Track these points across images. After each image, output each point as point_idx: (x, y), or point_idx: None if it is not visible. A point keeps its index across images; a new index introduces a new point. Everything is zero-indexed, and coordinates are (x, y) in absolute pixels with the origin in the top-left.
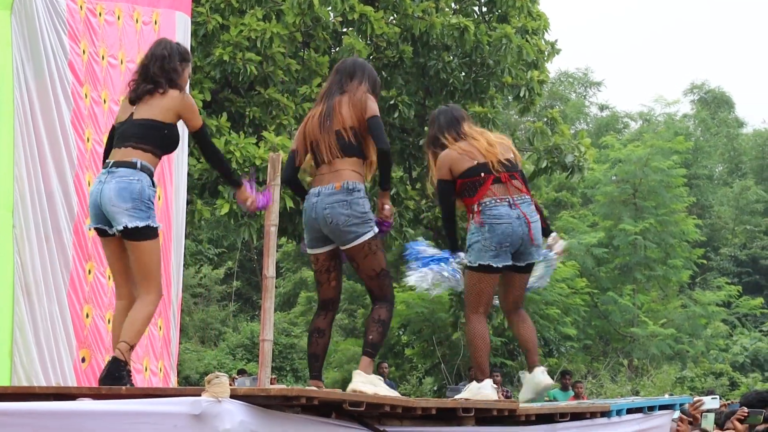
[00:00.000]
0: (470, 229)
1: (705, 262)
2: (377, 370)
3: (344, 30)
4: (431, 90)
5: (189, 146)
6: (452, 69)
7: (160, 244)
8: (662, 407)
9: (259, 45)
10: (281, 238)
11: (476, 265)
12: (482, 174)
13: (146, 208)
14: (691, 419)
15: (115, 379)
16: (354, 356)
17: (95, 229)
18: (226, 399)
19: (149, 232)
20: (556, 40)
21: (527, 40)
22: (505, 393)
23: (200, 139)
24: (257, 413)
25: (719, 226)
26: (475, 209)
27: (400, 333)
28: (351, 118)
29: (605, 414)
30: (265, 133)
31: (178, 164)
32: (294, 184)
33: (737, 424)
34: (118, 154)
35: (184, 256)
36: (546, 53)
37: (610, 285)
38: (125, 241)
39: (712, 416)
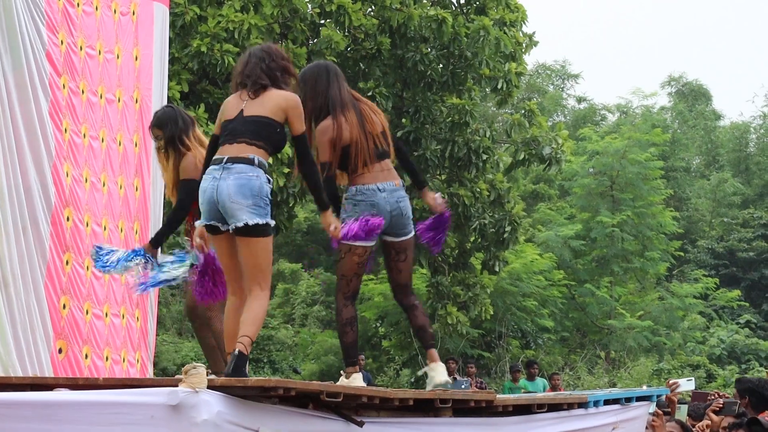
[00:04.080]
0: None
1: (682, 254)
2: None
3: (322, 21)
4: (409, 82)
5: None
6: (430, 61)
7: (272, 241)
8: (639, 399)
9: (236, 36)
10: None
11: None
12: None
13: (264, 204)
14: (668, 409)
15: (242, 373)
16: (331, 348)
17: (206, 226)
18: (204, 390)
19: (268, 230)
20: (533, 32)
21: (505, 32)
22: (479, 384)
23: (300, 145)
24: (235, 404)
25: (696, 218)
26: None
27: (378, 325)
28: (380, 125)
29: (583, 405)
30: None
31: (155, 154)
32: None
33: (712, 415)
34: (231, 150)
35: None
36: (524, 45)
37: (588, 277)
38: (239, 238)
39: (685, 408)
